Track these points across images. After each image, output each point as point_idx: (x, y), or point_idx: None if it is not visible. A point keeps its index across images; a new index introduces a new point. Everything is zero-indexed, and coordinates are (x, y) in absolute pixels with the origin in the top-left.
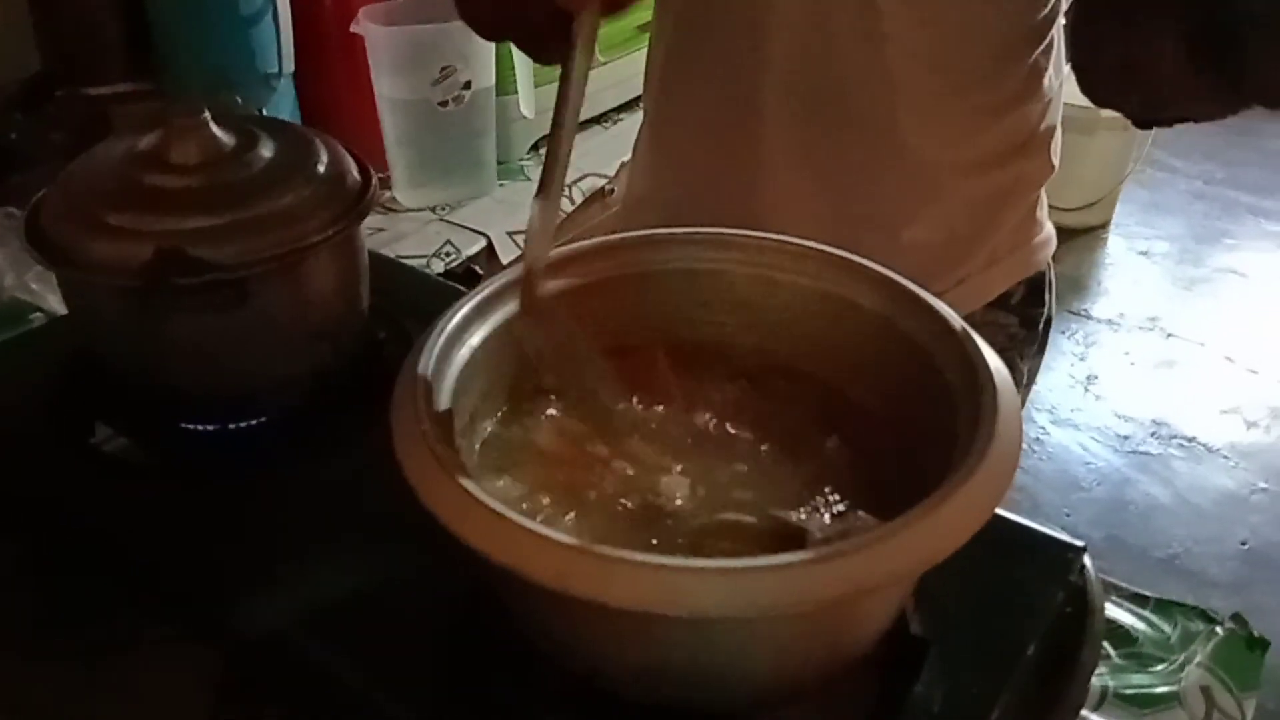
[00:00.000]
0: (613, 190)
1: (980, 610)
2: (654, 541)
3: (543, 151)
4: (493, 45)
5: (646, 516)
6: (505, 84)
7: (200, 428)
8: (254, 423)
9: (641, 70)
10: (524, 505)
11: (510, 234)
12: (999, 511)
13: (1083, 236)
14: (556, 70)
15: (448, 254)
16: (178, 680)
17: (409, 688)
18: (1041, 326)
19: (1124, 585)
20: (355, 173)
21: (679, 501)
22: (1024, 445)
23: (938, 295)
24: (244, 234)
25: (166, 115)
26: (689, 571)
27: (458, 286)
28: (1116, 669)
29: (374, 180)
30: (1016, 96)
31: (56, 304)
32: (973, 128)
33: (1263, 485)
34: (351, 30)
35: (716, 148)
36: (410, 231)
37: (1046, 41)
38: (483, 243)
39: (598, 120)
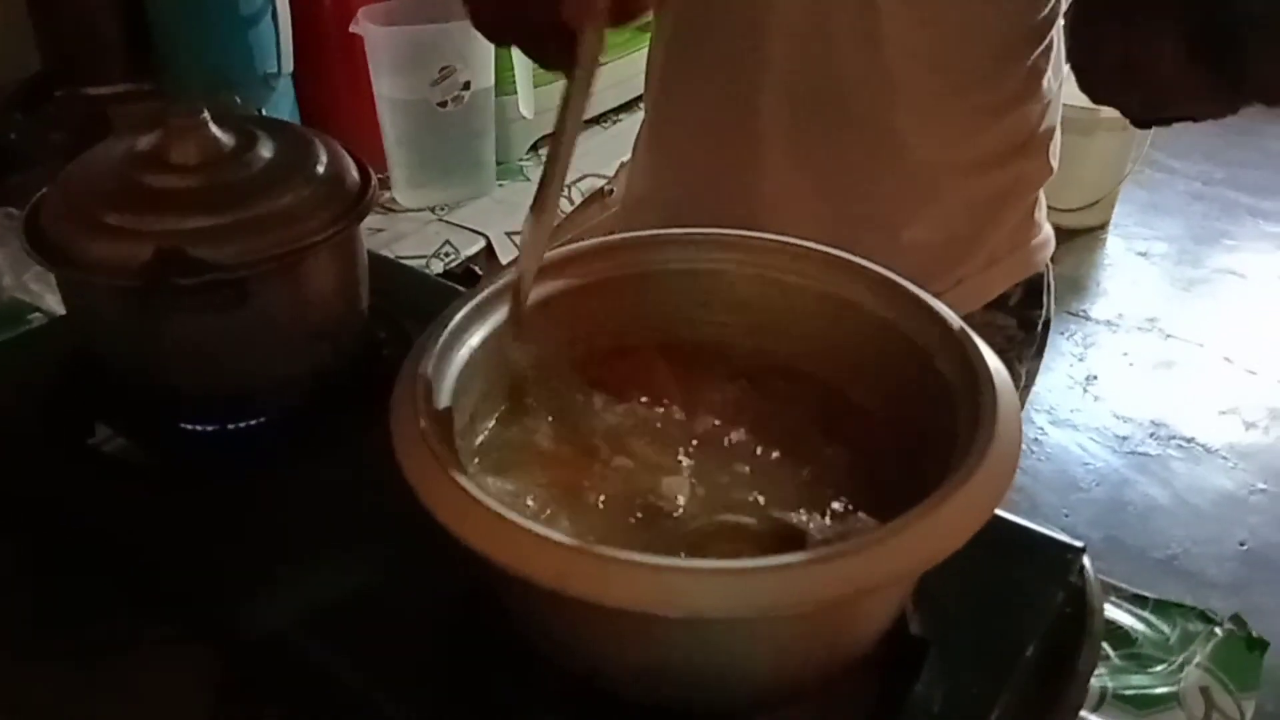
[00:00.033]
0: (612, 191)
1: (980, 611)
2: (653, 542)
3: (542, 152)
4: (492, 45)
5: (646, 517)
6: (504, 84)
7: (200, 428)
8: (253, 423)
9: (641, 70)
10: (523, 505)
11: (509, 234)
12: (998, 512)
13: (1082, 237)
14: (556, 71)
15: (447, 254)
16: (177, 680)
17: (409, 688)
18: (1040, 328)
19: (1123, 586)
20: (354, 173)
21: (679, 502)
22: (1023, 446)
23: (935, 296)
24: (243, 234)
25: (166, 115)
26: (688, 572)
27: (457, 287)
28: (1116, 670)
29: (373, 180)
30: (1016, 97)
31: (55, 304)
32: (972, 128)
33: (1261, 486)
34: (351, 30)
35: (716, 148)
36: (409, 232)
37: (1046, 43)
38: (482, 243)
39: (597, 120)
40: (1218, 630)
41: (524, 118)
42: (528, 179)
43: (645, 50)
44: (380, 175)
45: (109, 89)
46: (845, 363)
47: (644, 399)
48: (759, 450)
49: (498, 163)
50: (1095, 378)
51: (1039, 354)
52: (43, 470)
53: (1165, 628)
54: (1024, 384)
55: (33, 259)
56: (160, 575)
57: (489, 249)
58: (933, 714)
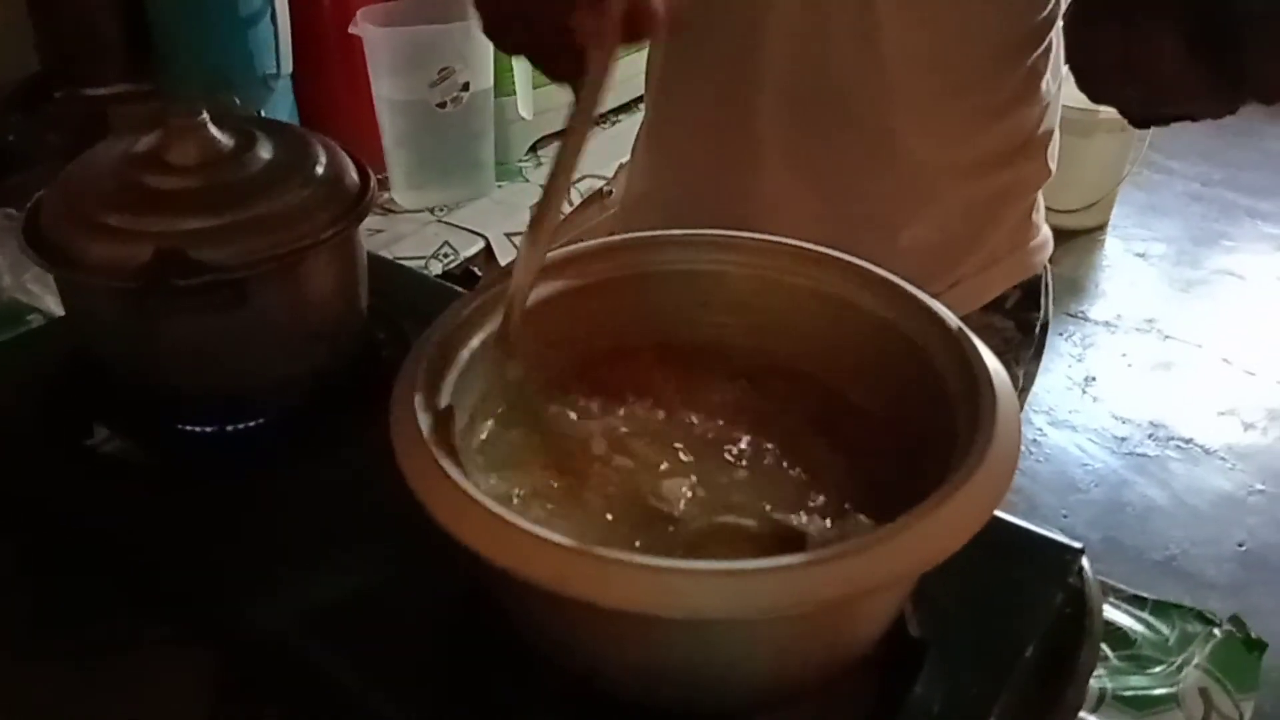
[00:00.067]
0: (611, 191)
1: (979, 612)
2: (653, 543)
3: (540, 153)
4: (491, 46)
5: (646, 519)
6: (504, 85)
7: (198, 429)
8: (252, 424)
9: (641, 71)
10: (522, 507)
11: (508, 235)
12: (997, 513)
13: (1080, 238)
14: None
15: (446, 255)
16: (177, 680)
17: (408, 688)
18: (1038, 331)
19: (1122, 587)
20: (354, 174)
21: (678, 504)
22: (1021, 447)
23: (932, 297)
24: (242, 235)
25: (165, 116)
26: (687, 573)
27: (456, 288)
28: (1115, 670)
29: (372, 181)
30: (1014, 99)
31: (54, 305)
32: (970, 130)
33: (1260, 487)
34: (350, 31)
35: (715, 148)
36: (408, 233)
37: (1044, 44)
38: (481, 244)
39: (597, 121)
40: (1216, 631)
41: (523, 119)
42: (527, 180)
43: (645, 51)
44: (379, 176)
45: (108, 90)
46: (845, 364)
47: (643, 401)
48: (758, 451)
49: (497, 164)
50: (1094, 379)
51: (1037, 356)
52: (41, 471)
53: (1164, 629)
54: (1021, 386)
55: (31, 260)
56: (160, 576)
57: (488, 250)
58: (932, 715)
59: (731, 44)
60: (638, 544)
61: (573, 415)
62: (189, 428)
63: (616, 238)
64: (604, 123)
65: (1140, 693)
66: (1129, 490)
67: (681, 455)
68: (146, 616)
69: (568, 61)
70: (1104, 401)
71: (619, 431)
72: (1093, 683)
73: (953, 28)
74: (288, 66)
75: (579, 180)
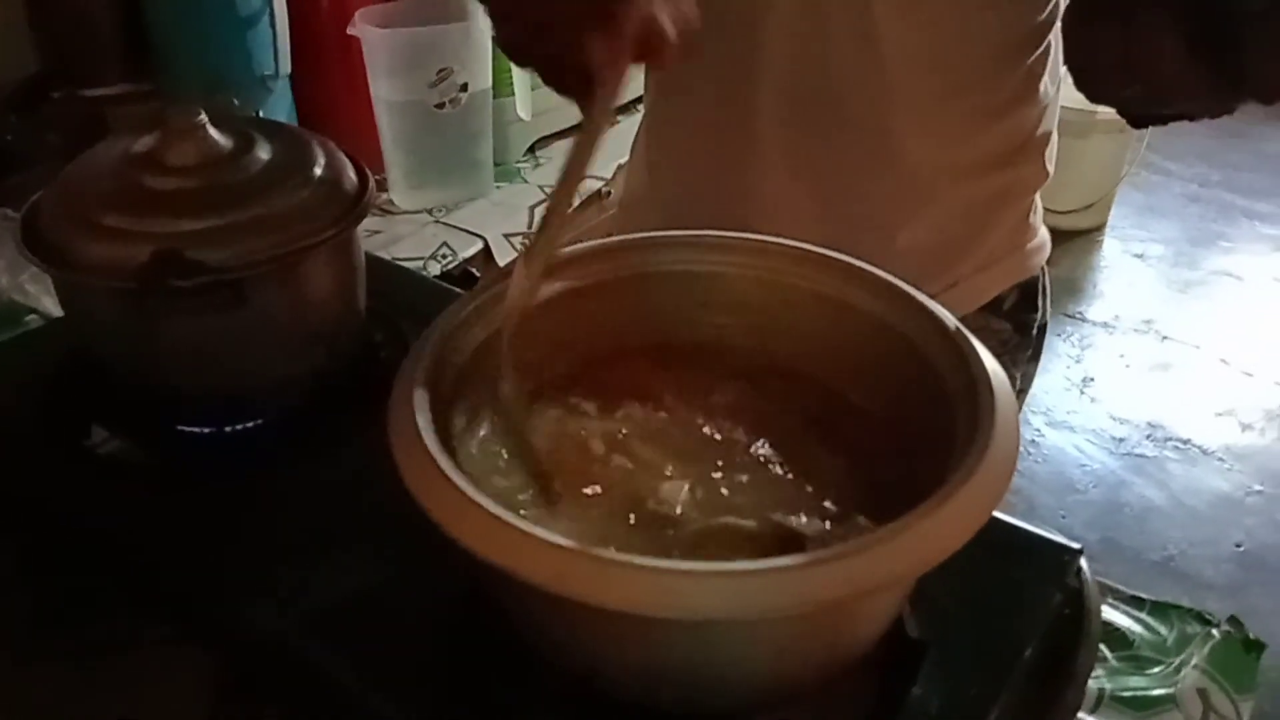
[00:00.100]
0: (609, 192)
1: (978, 612)
2: (652, 544)
3: (539, 153)
4: (489, 47)
5: (645, 519)
6: (502, 86)
7: (197, 429)
8: (251, 424)
9: (640, 72)
10: (521, 508)
11: (507, 236)
12: (996, 514)
13: (1078, 239)
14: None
15: (444, 256)
16: (176, 681)
17: (407, 688)
18: (1035, 333)
19: (1121, 588)
20: (352, 175)
21: (677, 505)
22: (1020, 448)
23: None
24: (241, 236)
25: (164, 117)
26: (686, 574)
27: (454, 288)
28: (1113, 671)
29: (371, 182)
30: (1012, 101)
31: (52, 306)
32: (968, 131)
33: (1258, 487)
34: (348, 32)
35: (713, 150)
36: (407, 233)
37: (1043, 46)
38: (479, 245)
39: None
40: (1215, 632)
41: (521, 119)
42: (525, 181)
43: None
44: (378, 177)
45: (106, 90)
46: (844, 364)
47: (642, 402)
48: (757, 452)
49: (495, 164)
50: (1092, 379)
51: (1035, 358)
52: (40, 471)
53: (1163, 629)
54: (1019, 388)
55: (29, 260)
56: (159, 576)
57: (486, 251)
58: (931, 715)
59: (730, 45)
60: (637, 545)
61: (572, 416)
62: (187, 428)
63: (616, 238)
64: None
65: (1139, 693)
66: (1127, 491)
67: (681, 456)
68: (146, 616)
69: (578, 81)
70: (1102, 402)
71: (618, 432)
72: (1091, 683)
73: (951, 29)
74: (286, 67)
75: None
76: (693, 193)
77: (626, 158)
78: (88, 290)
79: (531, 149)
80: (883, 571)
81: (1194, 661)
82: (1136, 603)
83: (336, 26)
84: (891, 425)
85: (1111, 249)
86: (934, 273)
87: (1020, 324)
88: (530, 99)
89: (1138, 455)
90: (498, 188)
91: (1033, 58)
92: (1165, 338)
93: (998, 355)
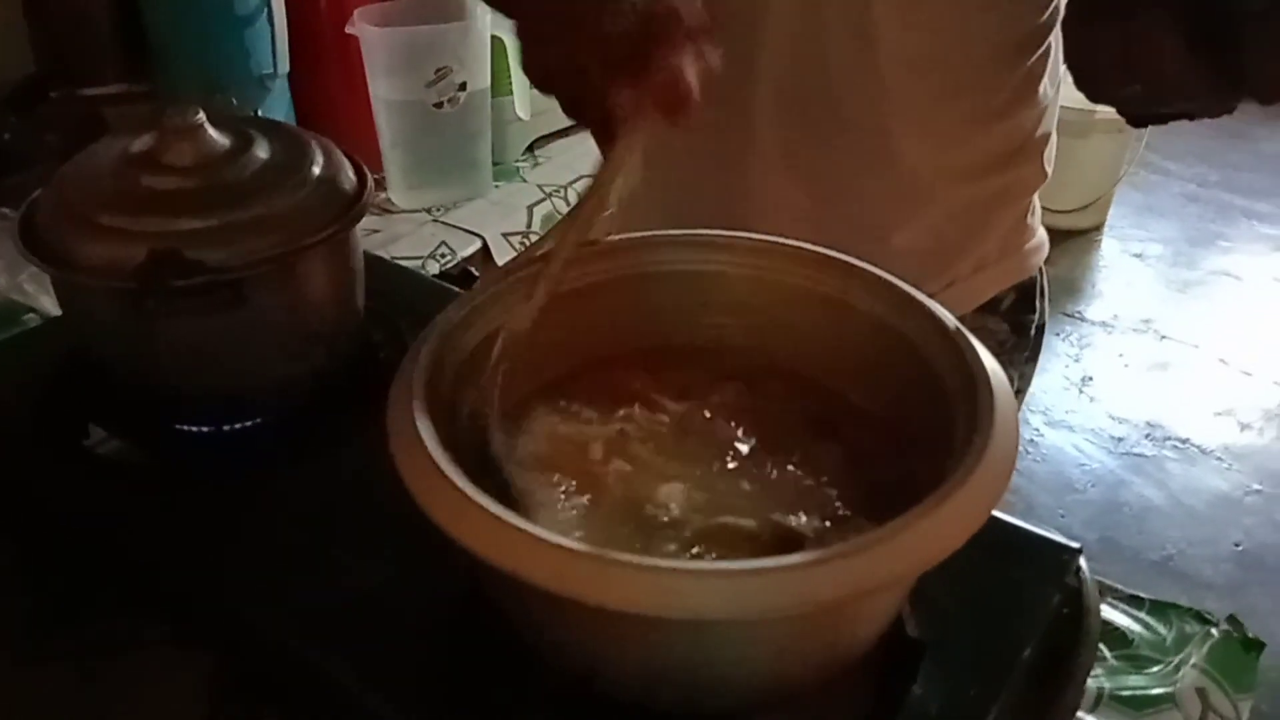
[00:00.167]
0: None
1: (977, 612)
2: (652, 544)
3: (538, 153)
4: (488, 46)
5: (644, 520)
6: (501, 85)
7: (195, 429)
8: (249, 424)
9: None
10: (521, 508)
11: (505, 235)
12: (995, 513)
13: (1077, 239)
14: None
15: (443, 255)
16: (176, 681)
17: (407, 688)
18: (1033, 333)
19: (1120, 587)
20: (351, 174)
21: (677, 505)
22: (1019, 447)
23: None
24: (239, 235)
25: (161, 116)
26: (686, 574)
27: (453, 288)
28: (1112, 670)
29: (369, 182)
30: (1011, 103)
31: (50, 305)
32: (966, 133)
33: (1256, 487)
34: (347, 31)
35: (711, 149)
36: (405, 233)
37: (1043, 48)
38: (478, 244)
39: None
40: (1214, 631)
41: (520, 119)
42: (524, 180)
43: None
44: (376, 176)
45: (104, 90)
46: (843, 364)
47: (641, 402)
48: (756, 452)
49: (494, 164)
50: (1091, 379)
51: (1033, 358)
52: (39, 471)
53: (1162, 629)
54: (1017, 388)
55: (28, 260)
56: (158, 576)
57: (485, 250)
58: (930, 715)
59: (729, 45)
60: (637, 545)
61: (571, 417)
62: (186, 428)
63: (615, 238)
64: None
65: (1138, 692)
66: (1126, 490)
67: (680, 456)
68: (146, 616)
69: (599, 124)
70: (1101, 402)
71: (617, 433)
72: (1090, 682)
73: (951, 30)
74: (284, 66)
75: (576, 180)
76: (690, 192)
77: None
78: (86, 290)
79: (530, 148)
80: (883, 571)
81: (1193, 661)
82: (1135, 602)
83: (335, 25)
84: (891, 425)
85: (1110, 248)
86: (931, 273)
87: (1018, 324)
88: (529, 98)
89: (1136, 455)
90: (496, 187)
91: (1032, 59)
92: (1164, 337)
93: (995, 356)
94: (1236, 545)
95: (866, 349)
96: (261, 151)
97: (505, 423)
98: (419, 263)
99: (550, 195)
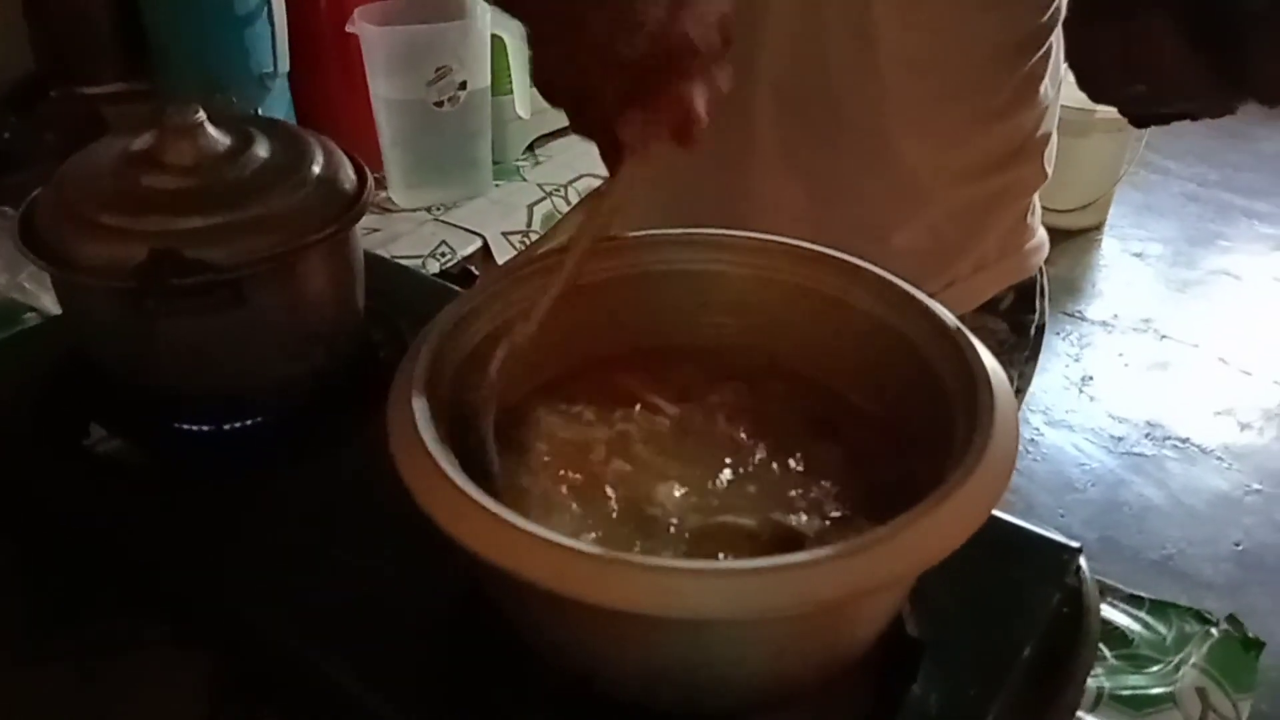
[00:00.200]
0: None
1: (976, 612)
2: (651, 544)
3: (538, 152)
4: (488, 45)
5: (644, 519)
6: (501, 84)
7: (195, 428)
8: (249, 423)
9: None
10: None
11: (505, 234)
12: (995, 513)
13: (1077, 238)
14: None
15: (443, 254)
16: (175, 681)
17: (407, 688)
18: (1033, 333)
19: (1119, 587)
20: (351, 173)
21: (676, 504)
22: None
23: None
24: (239, 235)
25: (161, 115)
26: (686, 573)
27: (453, 287)
28: (1112, 670)
29: (369, 181)
30: (1012, 103)
31: (50, 304)
32: (966, 134)
33: (1256, 486)
34: (347, 30)
35: (710, 149)
36: (406, 232)
37: (1044, 49)
38: (478, 243)
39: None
40: (1214, 631)
41: (520, 118)
42: (524, 179)
43: None
44: (376, 175)
45: (104, 89)
46: (843, 364)
47: (641, 402)
48: (756, 451)
49: (494, 163)
50: (1090, 378)
51: (1033, 358)
52: (38, 471)
53: (1162, 628)
54: (1017, 387)
55: (27, 259)
56: (158, 576)
57: (485, 249)
58: (929, 715)
59: None
60: (637, 545)
61: (570, 417)
62: (185, 427)
63: (614, 237)
64: None
65: (1137, 692)
66: (1126, 490)
67: (680, 456)
68: (146, 616)
69: (607, 145)
70: (1101, 401)
71: (617, 433)
72: (1090, 682)
73: (950, 31)
74: (284, 65)
75: (576, 179)
76: (690, 192)
77: None
78: (85, 289)
79: (530, 147)
80: (882, 571)
81: (1193, 660)
82: (1135, 601)
83: (335, 24)
84: (890, 424)
85: (1110, 248)
86: (931, 273)
87: (1017, 324)
88: (529, 97)
89: (1136, 454)
90: (496, 186)
91: (1033, 60)
92: (1164, 337)
93: (995, 355)
94: (1236, 545)
95: (866, 349)
96: (261, 151)
97: (505, 422)
98: (419, 262)
99: (550, 194)
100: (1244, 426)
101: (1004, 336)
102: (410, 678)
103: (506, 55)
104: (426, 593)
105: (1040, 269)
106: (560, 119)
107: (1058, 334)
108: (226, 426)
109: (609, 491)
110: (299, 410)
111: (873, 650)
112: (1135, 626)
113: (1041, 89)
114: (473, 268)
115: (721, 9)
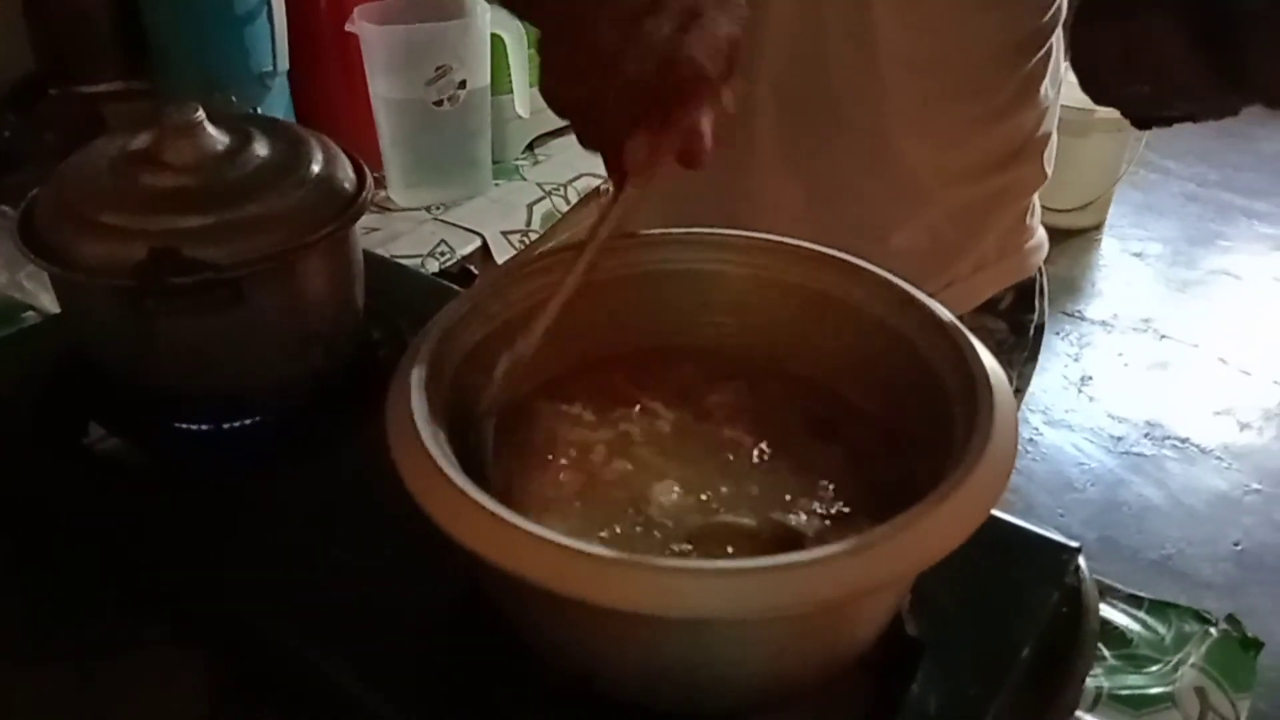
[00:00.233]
0: (608, 190)
1: (976, 611)
2: (651, 544)
3: (538, 151)
4: (488, 44)
5: (644, 519)
6: (500, 84)
7: (194, 428)
8: (248, 423)
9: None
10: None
11: (505, 233)
12: (994, 512)
13: (1076, 238)
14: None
15: (443, 254)
16: (175, 681)
17: (407, 688)
18: (1032, 332)
19: (1119, 587)
20: (350, 172)
21: (676, 504)
22: (1018, 447)
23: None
24: (238, 234)
25: (161, 114)
26: (686, 573)
27: (453, 286)
28: (1111, 670)
29: (369, 180)
30: (1011, 104)
31: (49, 303)
32: (966, 134)
33: (1255, 486)
34: (346, 29)
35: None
36: (405, 231)
37: (1044, 50)
38: (478, 242)
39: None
40: (1213, 631)
41: (520, 117)
42: (524, 179)
43: None
44: (376, 174)
45: (103, 88)
46: (843, 364)
47: (640, 402)
48: (756, 451)
49: (494, 162)
50: (1090, 378)
51: (1032, 358)
52: (37, 470)
53: (1161, 628)
54: (1016, 387)
55: (27, 258)
56: (158, 576)
57: (485, 248)
58: (929, 715)
59: None
60: (637, 545)
61: (570, 417)
62: (184, 426)
63: (614, 237)
64: None
65: (1136, 692)
66: (1125, 490)
67: (679, 456)
68: (146, 617)
69: (613, 164)
70: (1100, 401)
71: (617, 433)
72: (1089, 681)
73: (950, 31)
74: (284, 64)
75: (575, 179)
76: (689, 191)
77: None
78: (85, 288)
79: (530, 146)
80: (882, 570)
81: (1192, 660)
82: (1134, 601)
83: (334, 23)
84: (890, 424)
85: (1110, 248)
86: (930, 273)
87: (1017, 324)
88: (529, 96)
89: (1136, 454)
90: (496, 185)
91: (1033, 61)
92: (1163, 336)
93: (994, 355)
94: (1236, 545)
95: (866, 349)
96: (261, 150)
97: (505, 422)
98: (418, 261)
99: (550, 193)
100: (1244, 426)
101: (1003, 336)
102: (410, 678)
103: (506, 54)
104: (426, 593)
105: (1040, 269)
106: (560, 118)
107: (1057, 334)
108: (226, 426)
109: (609, 491)
110: (299, 410)
111: (873, 650)
112: (1134, 626)
113: (1042, 89)
114: (472, 267)
115: (731, 31)
